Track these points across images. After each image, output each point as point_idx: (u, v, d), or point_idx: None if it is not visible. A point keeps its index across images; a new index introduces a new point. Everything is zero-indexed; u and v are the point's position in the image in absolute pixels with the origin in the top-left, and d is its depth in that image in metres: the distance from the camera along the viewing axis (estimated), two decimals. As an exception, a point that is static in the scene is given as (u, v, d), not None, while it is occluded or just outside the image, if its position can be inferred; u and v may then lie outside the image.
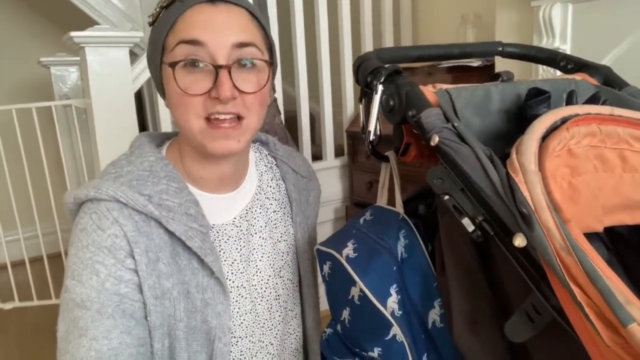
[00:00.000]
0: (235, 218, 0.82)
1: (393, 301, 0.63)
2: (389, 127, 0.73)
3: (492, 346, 0.58)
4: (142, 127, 2.72)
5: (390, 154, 0.74)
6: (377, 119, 0.69)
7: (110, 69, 1.61)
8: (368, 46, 2.35)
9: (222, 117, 0.70)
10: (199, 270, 0.74)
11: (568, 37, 1.33)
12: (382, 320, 0.63)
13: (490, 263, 0.60)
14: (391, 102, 0.66)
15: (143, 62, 1.75)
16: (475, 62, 1.84)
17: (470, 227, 0.54)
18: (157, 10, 0.74)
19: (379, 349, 0.65)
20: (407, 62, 0.85)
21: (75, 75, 2.84)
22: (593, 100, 0.72)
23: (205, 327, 0.74)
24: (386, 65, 0.70)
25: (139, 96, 2.87)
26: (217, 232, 0.80)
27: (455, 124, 0.60)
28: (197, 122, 0.70)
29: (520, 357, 0.57)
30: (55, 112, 2.18)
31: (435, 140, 0.58)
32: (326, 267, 0.74)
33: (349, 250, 0.68)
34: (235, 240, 0.82)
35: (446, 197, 0.56)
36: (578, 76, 0.82)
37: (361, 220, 0.74)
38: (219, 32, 0.69)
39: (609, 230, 0.66)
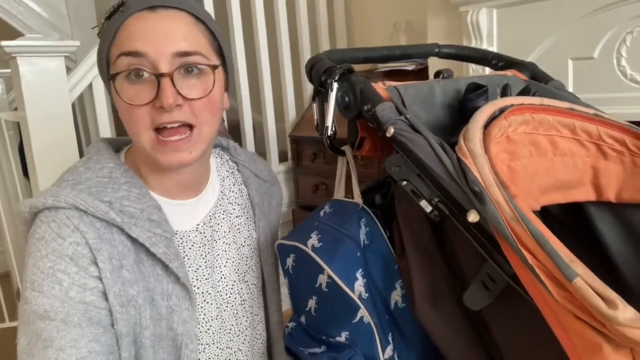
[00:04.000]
0: (198, 224, 0.82)
1: (360, 285, 0.66)
2: (340, 127, 0.77)
3: (451, 318, 0.62)
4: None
5: (346, 148, 0.78)
6: (334, 114, 0.72)
7: (44, 79, 1.54)
8: (306, 53, 2.40)
9: (169, 126, 0.68)
10: (163, 276, 0.73)
11: (494, 39, 1.44)
12: (350, 304, 0.66)
13: (445, 242, 0.65)
14: (346, 99, 0.70)
15: (80, 71, 1.70)
16: (410, 66, 1.93)
17: (428, 208, 0.58)
18: (102, 22, 0.72)
19: (346, 332, 0.68)
20: (355, 63, 0.90)
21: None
22: (525, 92, 0.79)
23: (171, 334, 0.73)
24: (339, 65, 0.74)
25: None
26: (181, 239, 0.79)
27: (408, 116, 0.65)
28: (147, 135, 0.69)
29: (477, 325, 0.62)
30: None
31: (390, 131, 0.63)
32: (289, 260, 0.76)
33: (313, 240, 0.71)
34: (199, 247, 0.81)
35: (404, 183, 0.61)
36: (509, 72, 0.90)
37: (321, 213, 0.77)
38: (160, 41, 0.68)
39: (544, 210, 0.73)
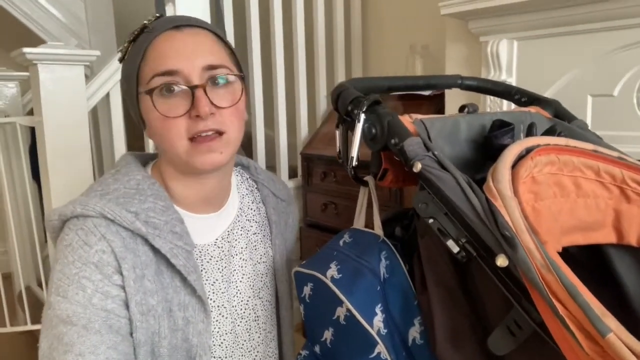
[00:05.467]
0: (217, 239, 0.84)
1: (379, 320, 0.66)
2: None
3: (472, 358, 0.61)
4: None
5: (369, 178, 0.78)
6: (359, 145, 0.72)
7: (63, 87, 1.56)
8: (321, 72, 2.41)
9: (203, 134, 0.72)
10: (181, 288, 0.75)
11: (514, 70, 1.44)
12: (368, 339, 0.65)
13: (469, 282, 0.64)
14: (373, 130, 0.70)
15: (98, 80, 1.71)
16: (426, 92, 1.93)
17: (455, 249, 0.58)
18: (126, 45, 0.76)
19: (362, 367, 0.67)
20: (379, 92, 0.90)
21: (14, 91, 2.70)
22: (550, 132, 0.79)
23: (186, 346, 0.75)
24: (366, 96, 0.74)
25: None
26: (200, 252, 0.81)
27: (436, 153, 0.64)
28: (181, 143, 0.72)
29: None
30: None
31: (418, 167, 0.63)
32: (307, 289, 0.76)
33: (332, 271, 0.70)
34: (217, 261, 0.83)
35: (431, 221, 0.60)
36: (532, 109, 0.90)
37: (340, 242, 0.77)
38: (190, 56, 0.72)
39: (563, 250, 0.72)
